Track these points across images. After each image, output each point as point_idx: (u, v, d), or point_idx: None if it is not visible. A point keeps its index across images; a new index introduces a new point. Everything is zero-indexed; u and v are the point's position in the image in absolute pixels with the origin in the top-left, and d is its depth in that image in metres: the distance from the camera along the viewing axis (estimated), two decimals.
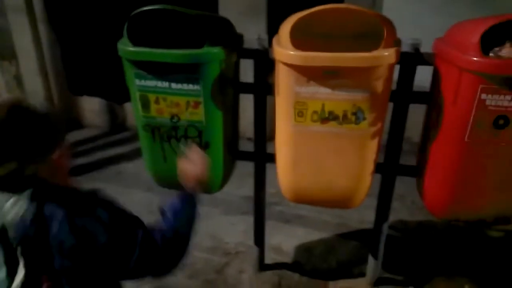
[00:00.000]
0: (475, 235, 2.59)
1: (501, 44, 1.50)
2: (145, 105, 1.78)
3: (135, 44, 1.68)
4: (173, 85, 1.70)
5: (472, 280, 2.21)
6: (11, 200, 0.96)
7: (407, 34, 1.69)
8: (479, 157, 1.56)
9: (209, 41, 1.63)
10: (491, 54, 1.49)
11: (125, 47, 1.68)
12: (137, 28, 1.71)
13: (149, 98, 1.76)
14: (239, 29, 1.95)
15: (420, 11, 2.94)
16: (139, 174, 3.18)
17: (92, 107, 4.30)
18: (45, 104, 1.07)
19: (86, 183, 3.26)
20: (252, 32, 1.87)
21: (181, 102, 1.72)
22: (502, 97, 1.44)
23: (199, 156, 1.36)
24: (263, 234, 2.30)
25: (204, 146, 1.81)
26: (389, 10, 3.07)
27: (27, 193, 0.97)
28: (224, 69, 1.71)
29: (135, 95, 1.78)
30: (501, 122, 1.48)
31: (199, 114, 1.74)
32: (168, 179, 1.93)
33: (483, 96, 1.45)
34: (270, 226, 2.48)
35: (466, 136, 1.52)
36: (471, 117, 1.49)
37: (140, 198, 3.01)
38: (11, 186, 0.98)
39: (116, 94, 4.09)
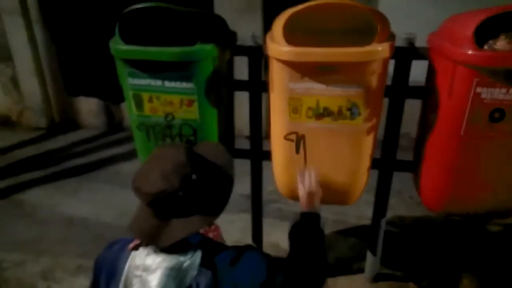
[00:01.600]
0: (473, 229, 2.58)
1: (495, 36, 1.49)
2: (139, 104, 1.77)
3: (127, 42, 1.66)
4: (167, 83, 1.68)
5: (472, 275, 2.20)
6: (188, 261, 1.01)
7: (403, 29, 1.67)
8: (475, 151, 1.54)
9: (201, 38, 1.61)
10: (485, 47, 1.48)
11: (117, 46, 1.67)
12: (129, 27, 1.69)
13: (143, 97, 1.75)
14: (234, 27, 1.93)
15: (415, 5, 2.92)
16: None
17: (89, 108, 4.29)
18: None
19: (84, 183, 3.31)
20: (247, 30, 1.85)
21: (174, 100, 1.71)
22: (497, 90, 1.43)
23: (308, 177, 1.40)
24: (261, 231, 2.29)
25: None
26: (384, 4, 3.06)
27: (199, 253, 1.03)
28: (218, 66, 1.70)
29: (129, 94, 1.77)
30: (496, 115, 1.47)
31: (193, 112, 1.72)
32: None
33: (478, 89, 1.44)
34: (268, 224, 2.47)
35: (462, 130, 1.51)
36: (467, 111, 1.48)
37: (137, 199, 3.04)
38: (186, 245, 1.03)
39: (112, 94, 4.08)
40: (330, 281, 2.27)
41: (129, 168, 3.51)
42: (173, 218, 0.99)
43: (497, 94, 1.43)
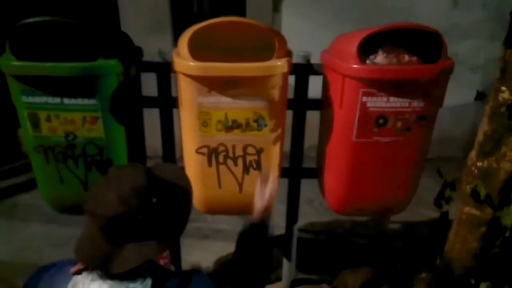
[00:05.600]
0: (377, 230, 2.85)
1: (375, 52, 1.71)
2: (35, 123, 1.64)
3: (20, 58, 1.55)
4: (66, 101, 1.60)
5: (375, 269, 2.42)
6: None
7: (303, 48, 1.84)
8: (365, 154, 1.74)
9: (103, 53, 1.57)
10: (368, 62, 1.69)
11: (8, 62, 1.55)
12: (22, 42, 1.58)
13: (39, 115, 1.63)
14: (144, 45, 1.92)
15: (314, 28, 3.22)
16: (39, 205, 2.89)
17: None
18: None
19: None
20: (157, 48, 1.85)
21: (76, 118, 1.63)
22: (380, 99, 1.64)
23: (268, 187, 1.32)
24: (179, 252, 2.24)
25: (106, 164, 1.72)
26: (287, 26, 3.32)
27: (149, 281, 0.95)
28: (123, 82, 1.66)
29: (23, 113, 1.64)
30: (381, 121, 1.68)
31: (97, 130, 1.65)
32: (67, 203, 1.79)
33: (364, 99, 1.64)
34: (187, 244, 2.43)
35: (354, 136, 1.70)
36: (356, 119, 1.66)
37: (41, 231, 2.77)
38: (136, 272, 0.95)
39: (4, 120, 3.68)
40: None
41: (29, 199, 3.19)
42: (128, 242, 0.93)
43: (379, 102, 1.64)
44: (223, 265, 2.50)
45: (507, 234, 1.53)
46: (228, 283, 1.10)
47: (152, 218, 0.95)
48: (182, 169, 1.20)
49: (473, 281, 1.65)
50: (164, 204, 0.98)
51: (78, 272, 0.97)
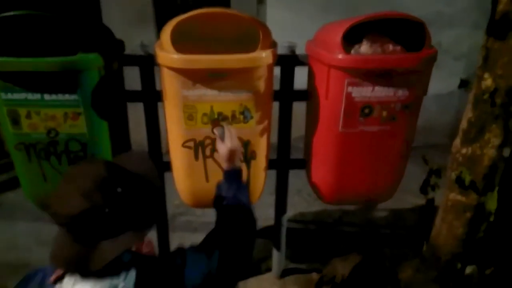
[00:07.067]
0: (365, 218, 2.88)
1: (360, 41, 1.71)
2: (15, 121, 1.60)
3: None
4: (47, 97, 1.56)
5: (364, 257, 2.45)
6: (122, 283, 0.92)
7: (288, 39, 1.82)
8: (352, 144, 1.74)
9: (83, 47, 1.53)
10: (352, 51, 1.69)
11: None
12: None
13: (19, 112, 1.58)
14: (126, 39, 1.87)
15: (298, 18, 3.21)
16: (24, 203, 2.84)
17: None
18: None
19: None
20: (140, 40, 1.81)
21: (57, 114, 1.59)
22: (365, 88, 1.64)
23: (228, 135, 1.34)
24: (168, 246, 2.23)
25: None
26: (271, 18, 3.29)
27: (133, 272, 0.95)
28: (105, 76, 1.63)
29: (2, 110, 1.59)
30: (366, 111, 1.68)
31: (80, 126, 1.62)
32: None
33: (350, 89, 1.63)
34: (178, 237, 2.43)
35: (340, 126, 1.70)
36: (342, 109, 1.66)
37: (27, 229, 2.72)
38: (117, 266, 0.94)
39: None
40: (241, 284, 2.30)
41: (13, 197, 3.13)
42: (101, 240, 0.90)
43: (365, 92, 1.64)
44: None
45: (492, 219, 1.56)
46: (216, 247, 1.06)
47: (120, 209, 0.92)
48: (146, 153, 1.18)
49: (459, 266, 1.69)
50: (131, 192, 0.95)
51: (59, 279, 0.94)
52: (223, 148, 1.32)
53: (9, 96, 1.56)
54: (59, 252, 0.91)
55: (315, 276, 2.32)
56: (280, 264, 2.31)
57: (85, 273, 0.92)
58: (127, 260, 0.96)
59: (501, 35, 1.36)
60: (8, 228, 2.77)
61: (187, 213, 2.84)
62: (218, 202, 1.25)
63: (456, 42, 3.53)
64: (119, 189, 0.92)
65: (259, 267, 2.42)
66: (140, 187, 0.98)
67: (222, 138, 1.34)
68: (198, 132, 1.69)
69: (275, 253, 2.29)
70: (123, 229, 0.92)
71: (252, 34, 1.62)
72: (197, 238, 1.29)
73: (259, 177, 1.84)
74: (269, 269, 2.37)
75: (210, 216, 2.84)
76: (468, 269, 1.70)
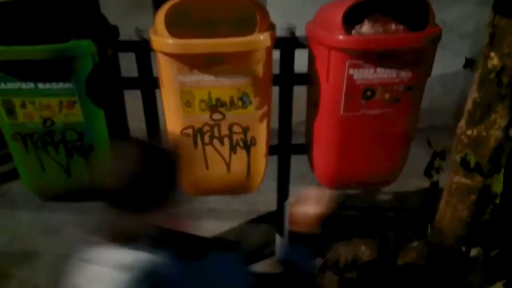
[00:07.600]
0: (369, 202, 2.86)
1: (361, 21, 1.65)
2: (10, 111, 1.57)
3: None
4: (41, 86, 1.52)
5: (368, 241, 2.44)
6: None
7: (287, 20, 1.75)
8: (354, 127, 1.70)
9: (75, 33, 1.49)
10: (353, 32, 1.63)
11: None
12: None
13: (14, 102, 1.56)
14: (123, 25, 1.82)
15: (300, 1, 3.11)
16: (27, 193, 2.86)
17: None
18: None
19: None
20: (138, 26, 1.76)
21: (52, 103, 1.56)
22: (366, 70, 1.59)
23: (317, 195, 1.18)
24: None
25: (88, 149, 1.67)
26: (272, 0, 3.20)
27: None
28: (99, 63, 1.59)
29: None
30: (368, 93, 1.64)
31: (76, 115, 1.59)
32: (51, 191, 1.76)
33: (351, 71, 1.58)
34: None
35: (341, 110, 1.66)
36: (343, 92, 1.62)
37: (31, 218, 2.72)
38: None
39: None
40: None
41: (16, 187, 3.12)
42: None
43: (366, 74, 1.60)
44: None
45: (497, 201, 1.53)
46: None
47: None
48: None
49: (464, 249, 1.67)
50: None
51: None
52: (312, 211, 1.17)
53: (2, 86, 1.53)
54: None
55: (318, 260, 2.31)
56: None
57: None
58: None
59: (508, 12, 1.31)
60: (12, 218, 2.77)
61: (188, 200, 2.83)
62: None
63: (462, 20, 3.43)
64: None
65: (262, 252, 2.42)
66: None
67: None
68: (196, 119, 1.66)
69: (278, 238, 2.29)
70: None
71: (250, 17, 1.57)
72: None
73: (260, 164, 1.82)
74: (272, 253, 2.38)
75: (213, 202, 2.85)
76: (473, 252, 1.69)
